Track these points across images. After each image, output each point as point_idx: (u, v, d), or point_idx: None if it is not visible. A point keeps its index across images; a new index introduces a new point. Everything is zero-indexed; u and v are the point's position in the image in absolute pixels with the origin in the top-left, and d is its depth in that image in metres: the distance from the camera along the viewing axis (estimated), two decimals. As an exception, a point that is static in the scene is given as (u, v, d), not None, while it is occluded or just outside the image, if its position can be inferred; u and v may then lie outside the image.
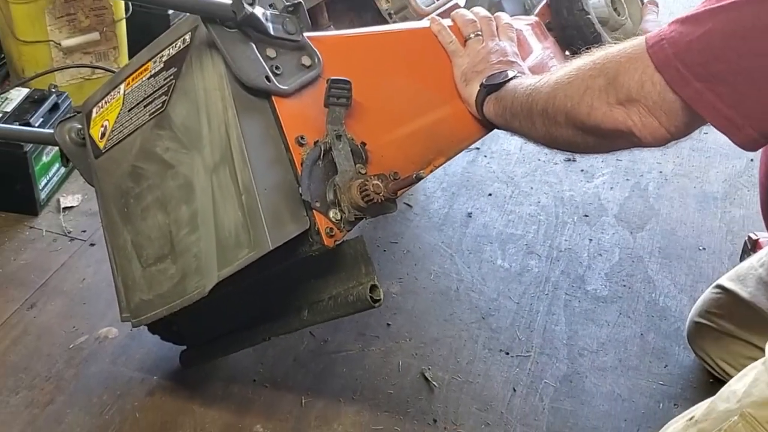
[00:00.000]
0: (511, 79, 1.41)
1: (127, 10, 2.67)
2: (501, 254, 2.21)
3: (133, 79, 1.50)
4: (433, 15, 1.75)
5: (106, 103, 1.56)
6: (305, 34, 1.39)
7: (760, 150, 1.27)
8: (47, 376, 1.82)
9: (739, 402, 1.25)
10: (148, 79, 1.46)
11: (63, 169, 2.38)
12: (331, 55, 1.41)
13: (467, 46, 1.55)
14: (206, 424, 1.73)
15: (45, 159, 2.30)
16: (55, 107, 2.31)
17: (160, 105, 1.42)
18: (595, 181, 2.50)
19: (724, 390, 1.31)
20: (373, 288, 1.37)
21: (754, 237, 1.99)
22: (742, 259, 1.98)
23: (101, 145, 1.55)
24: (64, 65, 2.59)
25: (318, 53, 1.39)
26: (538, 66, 1.59)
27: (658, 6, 1.78)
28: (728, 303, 1.76)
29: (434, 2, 1.94)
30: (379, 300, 1.38)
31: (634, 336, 1.97)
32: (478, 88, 1.46)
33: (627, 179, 2.51)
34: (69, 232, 2.23)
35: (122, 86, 1.52)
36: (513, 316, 2.02)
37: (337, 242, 1.32)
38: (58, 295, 2.03)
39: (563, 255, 2.22)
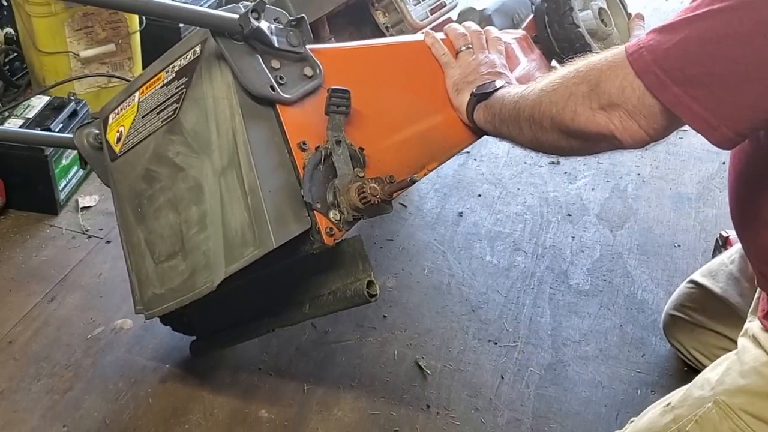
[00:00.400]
0: (500, 88, 1.40)
1: (141, 23, 2.67)
2: (490, 251, 2.21)
3: (146, 88, 1.49)
4: (427, 29, 1.75)
5: (121, 110, 1.56)
6: (307, 47, 1.39)
7: (731, 157, 1.26)
8: (66, 364, 1.82)
9: (713, 390, 1.25)
10: (161, 87, 1.45)
11: (81, 172, 2.38)
12: (332, 66, 1.41)
13: (459, 58, 1.54)
14: (215, 409, 1.73)
15: (64, 162, 2.29)
16: (74, 114, 2.31)
17: (172, 112, 1.41)
18: (577, 182, 2.50)
19: (699, 378, 1.31)
20: (370, 284, 1.37)
21: (725, 235, 1.98)
22: (714, 255, 1.98)
23: (117, 149, 1.55)
24: (82, 75, 2.58)
25: (319, 64, 1.39)
26: (525, 76, 1.58)
27: (644, 19, 1.78)
28: (701, 297, 1.76)
29: (428, 17, 1.94)
30: (376, 295, 1.37)
31: (614, 327, 1.97)
32: (469, 97, 1.45)
33: (607, 181, 2.51)
34: (87, 231, 2.23)
35: (137, 94, 1.52)
36: (501, 309, 2.02)
37: (337, 241, 1.31)
38: (76, 289, 2.03)
39: (548, 252, 2.22)
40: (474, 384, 1.81)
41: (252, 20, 1.27)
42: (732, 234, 1.94)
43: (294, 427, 1.70)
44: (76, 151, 1.66)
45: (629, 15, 1.82)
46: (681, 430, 1.26)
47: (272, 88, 1.31)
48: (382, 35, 1.94)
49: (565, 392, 1.81)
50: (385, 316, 1.98)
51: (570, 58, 1.28)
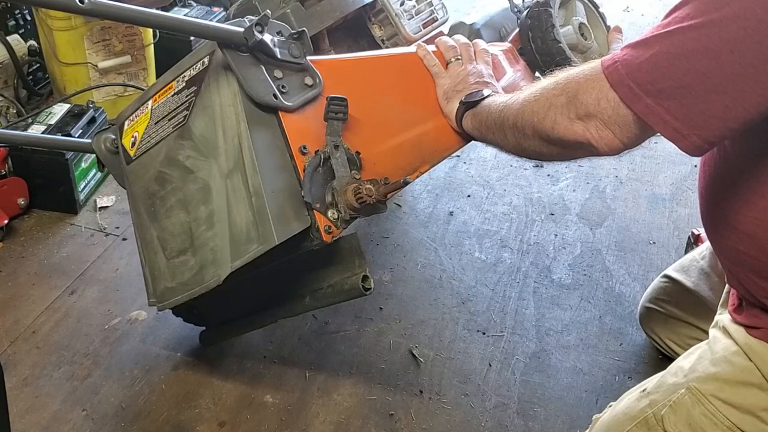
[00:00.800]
0: (487, 97, 1.40)
1: (154, 36, 2.67)
2: (478, 247, 2.20)
3: (159, 96, 1.49)
4: (420, 42, 1.74)
5: (136, 116, 1.55)
6: (308, 58, 1.39)
7: (701, 164, 1.26)
8: (85, 353, 1.81)
9: (686, 377, 1.25)
10: (172, 96, 1.45)
11: (99, 174, 2.38)
12: (331, 76, 1.40)
13: (449, 68, 1.54)
14: (223, 394, 1.72)
15: (84, 165, 2.29)
16: (93, 120, 2.30)
17: (183, 119, 1.41)
18: (559, 184, 2.49)
19: (673, 366, 1.31)
20: (365, 278, 1.38)
21: (696, 233, 1.98)
22: (686, 252, 1.98)
23: (132, 153, 1.54)
24: (100, 84, 2.58)
25: (319, 74, 1.38)
26: (511, 86, 1.58)
27: (621, 32, 1.77)
28: (674, 291, 1.75)
29: (421, 30, 1.94)
30: (370, 288, 1.38)
31: (594, 318, 1.97)
32: (458, 105, 1.45)
33: (587, 183, 2.50)
34: (104, 229, 2.22)
35: (150, 102, 1.51)
36: (489, 301, 2.01)
37: (335, 238, 1.31)
38: (94, 283, 2.02)
39: (532, 248, 2.21)
40: (464, 371, 1.81)
41: (256, 33, 1.27)
42: (703, 232, 1.94)
43: (296, 411, 1.69)
44: (94, 155, 1.66)
45: (608, 27, 1.82)
46: (656, 414, 1.26)
47: (275, 96, 1.31)
48: (378, 47, 1.94)
49: (548, 379, 1.80)
50: (381, 308, 1.97)
51: (551, 70, 1.27)
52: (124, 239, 2.17)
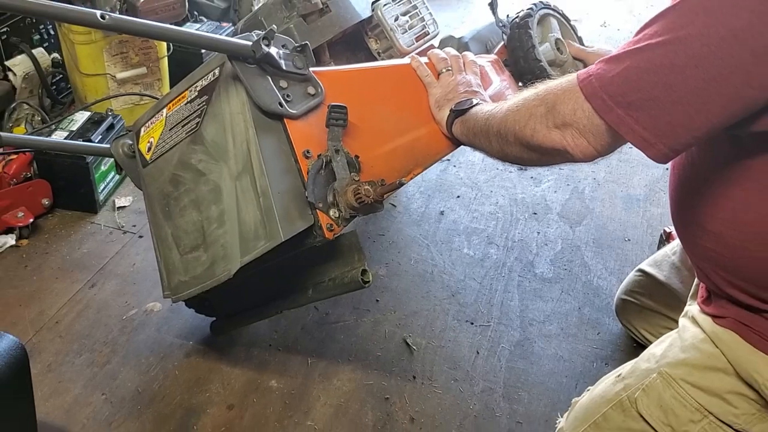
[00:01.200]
0: (475, 105, 1.40)
1: (168, 49, 2.67)
2: (467, 244, 2.21)
3: (173, 105, 1.49)
4: (413, 54, 1.75)
5: (151, 123, 1.55)
6: (311, 69, 1.39)
7: (671, 169, 1.27)
8: (105, 341, 1.81)
9: (658, 362, 1.25)
10: (185, 104, 1.45)
11: (117, 177, 2.37)
12: (332, 86, 1.40)
13: (440, 78, 1.54)
14: (231, 380, 1.73)
15: (103, 168, 2.29)
16: (111, 127, 2.30)
17: (195, 125, 1.41)
18: (542, 185, 2.50)
19: (646, 353, 1.31)
20: (364, 272, 1.38)
21: (668, 230, 1.99)
22: (659, 248, 1.98)
23: (148, 157, 1.54)
24: (118, 93, 2.58)
25: (321, 84, 1.38)
26: (497, 95, 1.58)
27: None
28: (648, 284, 1.76)
29: (414, 44, 1.94)
30: (369, 282, 1.38)
31: (573, 309, 1.97)
32: (449, 112, 1.45)
33: (568, 184, 2.50)
34: (122, 227, 2.22)
35: (165, 110, 1.51)
36: (476, 294, 2.02)
37: (336, 235, 1.31)
38: (113, 277, 2.02)
39: (516, 245, 2.21)
40: (453, 358, 1.81)
41: (263, 46, 1.27)
42: (674, 230, 1.94)
43: (299, 395, 1.70)
44: (113, 159, 1.66)
45: (580, 38, 1.82)
46: (630, 397, 1.26)
47: (280, 104, 1.31)
48: (375, 59, 1.94)
49: (531, 365, 1.81)
50: (377, 300, 1.97)
51: (532, 83, 1.28)
52: (141, 236, 2.17)
